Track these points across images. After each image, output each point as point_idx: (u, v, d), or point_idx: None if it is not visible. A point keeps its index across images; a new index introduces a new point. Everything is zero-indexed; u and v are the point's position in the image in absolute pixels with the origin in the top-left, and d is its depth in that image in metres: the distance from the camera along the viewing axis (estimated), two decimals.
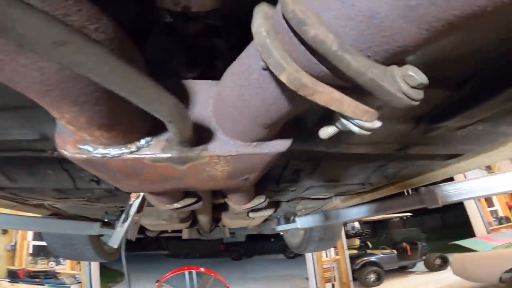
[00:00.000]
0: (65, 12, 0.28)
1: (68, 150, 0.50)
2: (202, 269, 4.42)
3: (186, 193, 1.26)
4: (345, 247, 6.84)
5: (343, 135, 1.04)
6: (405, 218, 11.72)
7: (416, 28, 0.25)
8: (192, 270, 4.31)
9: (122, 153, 0.51)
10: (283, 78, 0.31)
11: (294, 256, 12.93)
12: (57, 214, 2.22)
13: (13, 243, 6.39)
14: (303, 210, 2.70)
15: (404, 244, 9.50)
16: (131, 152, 0.51)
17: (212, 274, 4.24)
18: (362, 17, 0.26)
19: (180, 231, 3.32)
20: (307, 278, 6.82)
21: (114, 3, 0.53)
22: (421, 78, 0.29)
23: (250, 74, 0.40)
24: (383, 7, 0.24)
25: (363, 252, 9.13)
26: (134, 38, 0.67)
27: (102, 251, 2.90)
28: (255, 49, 0.39)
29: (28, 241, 6.56)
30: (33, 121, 0.81)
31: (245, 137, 0.53)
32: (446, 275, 8.18)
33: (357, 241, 10.01)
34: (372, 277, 8.33)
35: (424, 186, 1.87)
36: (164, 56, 0.69)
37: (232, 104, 0.46)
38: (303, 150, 1.18)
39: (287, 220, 3.17)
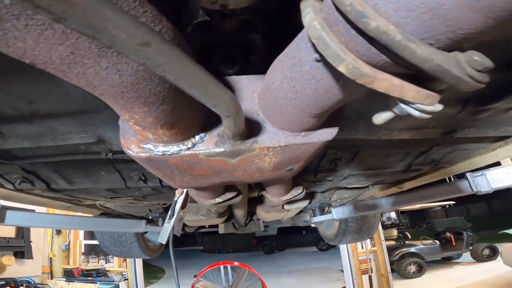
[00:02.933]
0: (135, 13, 0.31)
1: (132, 150, 0.55)
2: (236, 263, 4.53)
3: (227, 188, 1.31)
4: (382, 238, 6.63)
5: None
6: (447, 206, 11.08)
7: (483, 17, 0.26)
8: (227, 265, 4.43)
9: (180, 150, 0.55)
10: (341, 68, 0.32)
11: (327, 248, 12.82)
12: (107, 214, 2.40)
13: (66, 243, 6.95)
14: (338, 201, 2.67)
15: (448, 234, 9.10)
16: (188, 148, 0.55)
17: (246, 267, 4.33)
18: (424, 9, 0.27)
19: (216, 226, 3.43)
20: (341, 270, 6.74)
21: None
22: (486, 61, 0.30)
23: (302, 66, 0.41)
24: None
25: (402, 243, 8.88)
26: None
27: (147, 247, 3.09)
28: (306, 42, 0.40)
29: (80, 240, 7.05)
30: (90, 125, 0.89)
31: (294, 127, 0.55)
32: (495, 266, 7.80)
33: (394, 232, 9.69)
34: (413, 268, 8.07)
35: (472, 171, 1.77)
36: (204, 54, 0.71)
37: (283, 95, 0.47)
38: (339, 138, 1.16)
39: (322, 211, 3.15)
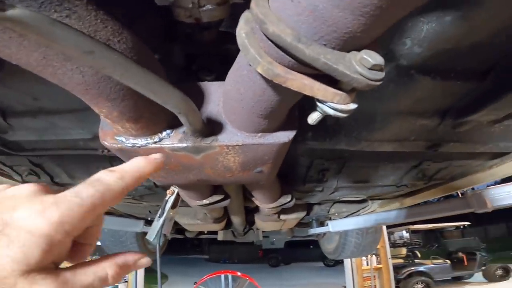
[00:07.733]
0: (95, 29, 0.38)
1: (107, 141, 0.62)
2: (238, 273, 4.53)
3: (214, 191, 1.36)
4: (389, 255, 6.44)
5: (363, 132, 1.05)
6: (462, 227, 10.69)
7: (351, 15, 0.29)
8: (228, 274, 4.45)
9: (148, 143, 0.61)
10: (259, 69, 0.37)
11: (333, 264, 12.54)
12: (111, 213, 2.50)
13: None
14: (336, 214, 2.66)
15: (460, 254, 8.85)
16: (155, 142, 0.62)
17: (247, 278, 4.31)
18: (307, 12, 0.30)
19: (216, 232, 3.46)
20: (345, 287, 6.60)
21: (140, 19, 0.65)
22: (375, 59, 0.33)
23: (242, 70, 0.47)
24: (320, 0, 0.29)
25: (410, 261, 8.70)
26: (164, 46, 0.78)
27: (146, 249, 3.15)
28: None
29: None
30: (87, 122, 0.97)
31: (249, 128, 0.60)
32: (508, 286, 7.81)
33: (403, 250, 9.47)
34: (419, 287, 7.87)
35: (473, 188, 1.73)
36: (186, 62, 0.79)
37: (233, 98, 0.53)
38: (325, 149, 1.19)
39: (321, 224, 3.14)
